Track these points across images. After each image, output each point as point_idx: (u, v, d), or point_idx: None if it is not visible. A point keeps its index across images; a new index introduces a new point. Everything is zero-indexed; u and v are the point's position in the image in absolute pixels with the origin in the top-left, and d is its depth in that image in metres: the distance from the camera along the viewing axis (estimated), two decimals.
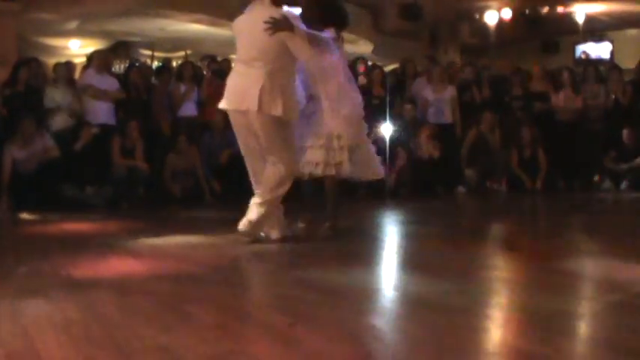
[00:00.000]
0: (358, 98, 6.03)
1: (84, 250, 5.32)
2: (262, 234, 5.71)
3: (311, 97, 5.94)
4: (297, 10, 5.84)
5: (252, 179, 5.75)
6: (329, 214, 6.06)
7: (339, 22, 5.96)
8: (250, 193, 5.69)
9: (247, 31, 5.56)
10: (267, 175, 5.57)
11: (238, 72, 5.66)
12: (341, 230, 6.01)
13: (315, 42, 5.47)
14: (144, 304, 3.41)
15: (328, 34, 5.73)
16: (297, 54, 5.45)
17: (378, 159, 6.28)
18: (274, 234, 5.71)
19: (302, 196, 6.59)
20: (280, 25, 5.23)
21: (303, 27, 5.43)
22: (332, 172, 5.86)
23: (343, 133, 5.81)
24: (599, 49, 18.82)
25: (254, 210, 5.54)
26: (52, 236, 6.53)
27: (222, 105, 5.69)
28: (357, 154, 5.95)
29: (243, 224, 5.52)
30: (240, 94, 5.50)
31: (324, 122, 5.82)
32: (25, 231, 7.18)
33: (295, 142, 5.75)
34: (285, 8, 5.60)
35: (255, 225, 5.55)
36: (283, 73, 5.48)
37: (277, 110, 5.37)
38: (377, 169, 6.27)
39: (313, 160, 5.82)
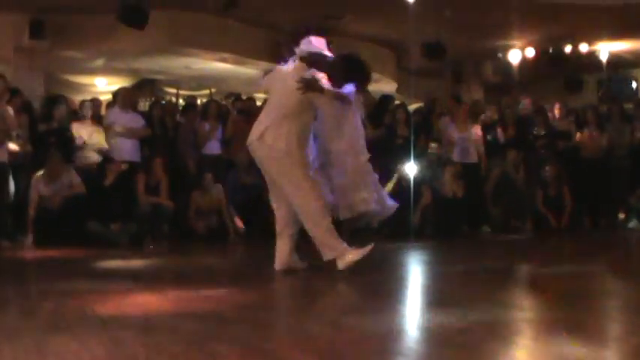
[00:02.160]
0: (364, 153, 6.52)
1: (109, 287, 5.33)
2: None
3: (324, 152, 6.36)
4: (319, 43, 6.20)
5: (273, 205, 6.15)
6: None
7: (360, 80, 6.25)
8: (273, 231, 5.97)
9: (279, 86, 6.04)
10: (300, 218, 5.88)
11: (262, 114, 6.10)
12: (365, 269, 6.02)
13: (340, 99, 6.04)
14: (170, 343, 3.40)
15: (350, 87, 6.16)
16: (323, 109, 6.07)
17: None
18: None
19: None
20: (311, 86, 5.78)
21: (329, 86, 5.94)
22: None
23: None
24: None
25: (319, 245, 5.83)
26: (78, 272, 6.55)
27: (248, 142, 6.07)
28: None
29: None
30: (255, 129, 5.93)
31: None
32: (50, 267, 7.20)
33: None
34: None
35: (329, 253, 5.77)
36: (300, 124, 5.88)
37: (279, 144, 5.74)
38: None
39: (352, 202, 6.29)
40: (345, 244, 5.75)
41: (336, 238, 5.77)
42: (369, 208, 6.33)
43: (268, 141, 5.76)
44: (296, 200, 5.79)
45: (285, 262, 5.97)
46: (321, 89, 5.86)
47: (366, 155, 6.46)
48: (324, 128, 6.28)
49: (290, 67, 6.14)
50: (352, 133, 6.38)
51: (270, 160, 5.84)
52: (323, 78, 5.99)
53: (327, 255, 5.74)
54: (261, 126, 5.85)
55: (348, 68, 6.18)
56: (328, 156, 6.29)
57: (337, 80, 6.07)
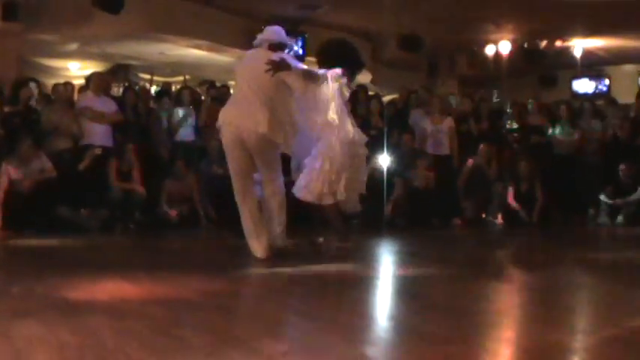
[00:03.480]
0: (349, 132, 6.27)
1: (78, 273, 5.29)
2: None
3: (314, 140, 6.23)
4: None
5: (237, 198, 6.17)
6: (339, 233, 6.42)
7: (350, 66, 6.40)
8: None
9: (250, 69, 6.15)
10: (273, 207, 6.18)
11: (242, 98, 6.21)
12: (337, 258, 6.06)
13: (310, 77, 6.03)
14: (137, 328, 3.39)
15: (338, 70, 6.17)
16: (293, 88, 6.05)
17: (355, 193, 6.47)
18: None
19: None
20: (279, 66, 5.81)
21: (298, 65, 6.07)
22: (330, 200, 6.12)
23: (333, 160, 6.06)
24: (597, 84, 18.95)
25: (280, 238, 6.19)
26: (47, 257, 6.51)
27: (221, 121, 6.16)
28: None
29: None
30: (246, 115, 5.99)
31: (318, 150, 6.10)
32: (19, 251, 7.15)
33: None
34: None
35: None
36: (282, 107, 6.08)
37: (279, 138, 6.02)
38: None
39: (315, 191, 6.04)
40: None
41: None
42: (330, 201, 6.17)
43: (270, 135, 5.91)
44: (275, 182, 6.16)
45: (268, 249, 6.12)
46: (288, 67, 5.87)
47: (349, 138, 6.25)
48: (301, 109, 6.22)
49: (257, 52, 6.23)
50: (333, 115, 6.17)
51: (262, 149, 6.01)
52: (293, 59, 6.15)
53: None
54: (262, 118, 5.89)
55: (341, 53, 6.43)
56: (310, 139, 6.20)
57: (326, 63, 6.28)
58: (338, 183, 6.10)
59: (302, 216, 6.61)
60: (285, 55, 6.15)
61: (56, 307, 3.88)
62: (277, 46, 6.21)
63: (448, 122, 11.23)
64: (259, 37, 6.30)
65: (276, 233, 6.16)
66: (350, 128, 6.27)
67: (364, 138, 6.43)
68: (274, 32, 6.30)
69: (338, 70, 6.16)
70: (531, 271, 6.07)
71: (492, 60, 16.85)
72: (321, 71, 6.14)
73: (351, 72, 6.39)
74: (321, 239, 6.47)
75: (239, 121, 6.02)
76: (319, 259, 6.18)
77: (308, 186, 6.03)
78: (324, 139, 6.10)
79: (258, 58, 6.07)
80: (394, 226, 9.79)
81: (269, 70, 5.80)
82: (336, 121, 6.14)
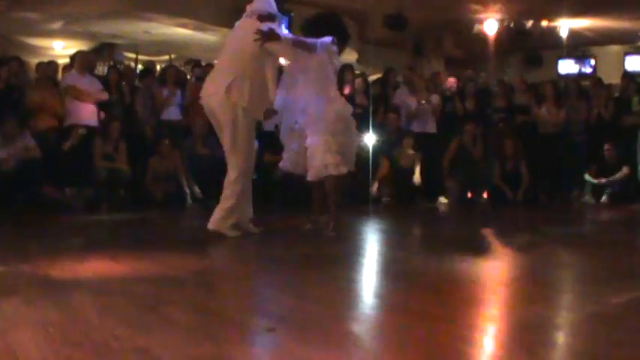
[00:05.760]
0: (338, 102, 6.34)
1: (63, 251, 5.28)
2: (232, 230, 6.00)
3: (302, 111, 6.22)
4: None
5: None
6: (331, 214, 6.31)
7: (339, 37, 6.34)
8: None
9: (235, 39, 6.13)
10: (224, 194, 5.99)
11: (218, 68, 6.28)
12: (323, 237, 6.07)
13: (300, 46, 5.99)
14: (122, 306, 3.39)
15: (328, 39, 6.13)
16: (284, 57, 6.16)
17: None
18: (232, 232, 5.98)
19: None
20: (268, 36, 5.82)
21: (288, 35, 6.05)
22: (344, 169, 6.20)
23: (336, 130, 6.12)
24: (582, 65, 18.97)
25: (217, 209, 5.94)
26: (32, 237, 6.48)
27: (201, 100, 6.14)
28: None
29: (210, 223, 5.92)
30: (215, 82, 5.97)
31: (320, 117, 6.10)
32: (3, 230, 7.11)
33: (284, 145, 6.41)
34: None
35: (219, 222, 5.92)
36: (256, 77, 5.92)
37: (243, 100, 5.83)
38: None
39: (322, 163, 6.06)
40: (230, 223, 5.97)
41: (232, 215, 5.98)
42: (338, 171, 6.16)
43: (231, 96, 5.80)
44: (232, 159, 5.92)
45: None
46: (278, 37, 5.87)
47: (341, 107, 6.32)
48: (291, 81, 6.22)
49: (244, 22, 6.15)
50: (323, 84, 6.19)
51: (224, 115, 5.87)
52: (280, 29, 6.06)
53: (216, 224, 5.91)
54: (225, 80, 5.84)
55: (328, 24, 6.41)
56: (301, 112, 6.21)
57: (313, 34, 6.21)
58: (340, 152, 6.16)
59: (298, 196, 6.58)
60: (274, 25, 6.06)
61: (40, 286, 3.87)
62: (267, 17, 6.07)
63: (434, 99, 11.24)
64: (249, 7, 6.21)
65: (217, 216, 5.97)
66: (339, 100, 6.33)
67: (350, 109, 6.42)
68: (264, 2, 6.18)
69: (327, 39, 6.12)
70: (516, 249, 6.09)
71: (478, 40, 16.83)
72: (311, 40, 6.08)
73: (339, 42, 6.31)
74: (323, 218, 6.42)
75: (208, 90, 6.01)
76: (305, 238, 6.20)
77: (321, 162, 6.05)
78: (315, 114, 6.10)
79: (244, 28, 6.04)
80: (379, 205, 9.80)
81: (258, 39, 5.80)
82: (330, 93, 6.17)
